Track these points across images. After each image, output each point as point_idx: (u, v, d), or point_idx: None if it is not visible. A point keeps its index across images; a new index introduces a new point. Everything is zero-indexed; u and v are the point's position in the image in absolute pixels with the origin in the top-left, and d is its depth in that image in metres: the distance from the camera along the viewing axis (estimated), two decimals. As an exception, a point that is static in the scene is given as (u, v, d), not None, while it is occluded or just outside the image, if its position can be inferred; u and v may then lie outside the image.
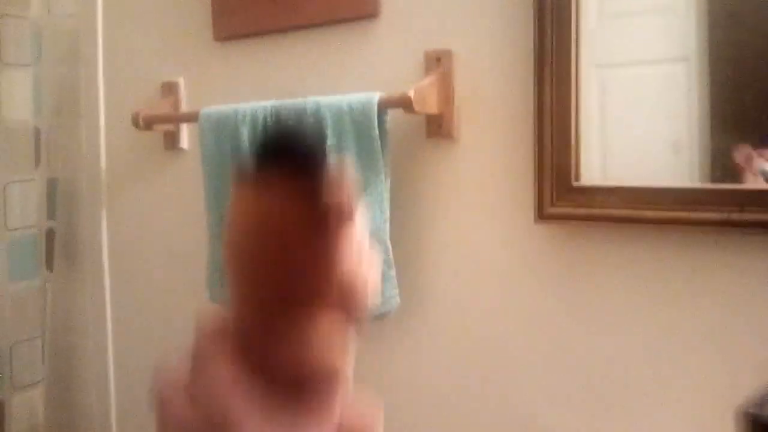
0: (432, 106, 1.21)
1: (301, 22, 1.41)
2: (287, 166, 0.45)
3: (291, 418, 0.48)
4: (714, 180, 1.01)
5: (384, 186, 1.24)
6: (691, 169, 1.05)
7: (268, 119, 1.32)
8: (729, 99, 1.02)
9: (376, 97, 1.23)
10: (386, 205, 1.25)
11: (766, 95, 0.98)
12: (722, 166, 1.01)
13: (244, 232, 0.48)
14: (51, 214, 1.84)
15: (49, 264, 1.85)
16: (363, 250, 0.50)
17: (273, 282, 0.48)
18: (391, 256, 1.24)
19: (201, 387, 0.48)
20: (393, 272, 1.24)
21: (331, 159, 0.46)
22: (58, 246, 1.83)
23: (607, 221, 1.07)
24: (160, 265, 1.70)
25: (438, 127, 1.24)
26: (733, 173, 0.99)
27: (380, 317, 1.26)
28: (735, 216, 0.95)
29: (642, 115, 1.08)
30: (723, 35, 1.03)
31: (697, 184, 1.02)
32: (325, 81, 1.39)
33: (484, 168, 1.21)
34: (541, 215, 1.12)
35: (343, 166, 0.46)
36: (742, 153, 0.98)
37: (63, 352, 1.83)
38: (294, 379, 0.48)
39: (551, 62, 1.10)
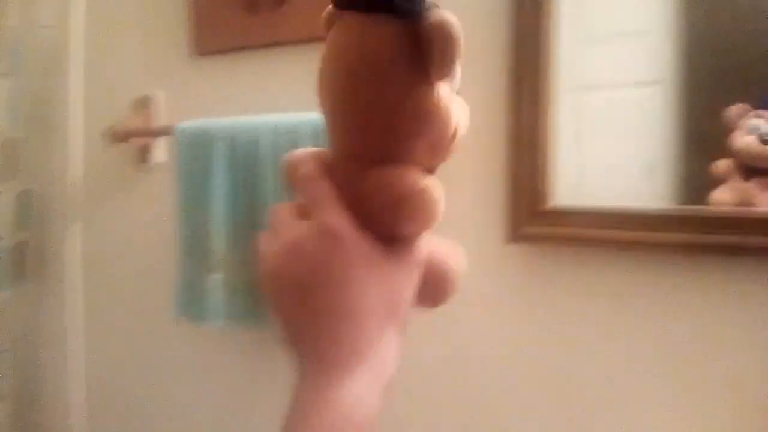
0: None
1: (280, 38, 1.41)
2: (388, 1, 0.43)
3: (384, 249, 0.47)
4: (686, 203, 1.01)
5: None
6: (662, 191, 1.05)
7: (245, 136, 1.31)
8: (703, 123, 1.02)
9: (352, 114, 1.22)
10: (360, 222, 1.24)
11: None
12: (694, 188, 1.01)
13: (336, 68, 0.46)
14: (23, 225, 1.81)
15: (20, 276, 1.81)
16: (455, 100, 0.48)
17: (364, 136, 0.47)
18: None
19: (313, 201, 0.47)
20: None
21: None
22: (30, 259, 1.80)
23: (579, 242, 1.07)
24: (133, 280, 1.68)
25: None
26: (706, 196, 0.99)
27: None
28: (705, 238, 0.95)
29: (616, 137, 1.08)
30: (697, 59, 1.03)
31: (667, 206, 1.02)
32: (303, 98, 1.38)
33: (458, 188, 1.20)
34: (514, 236, 1.12)
35: (447, 16, 0.43)
36: (737, 107, 0.97)
37: (31, 368, 1.80)
38: (382, 211, 0.46)
39: (527, 84, 1.10)
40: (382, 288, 0.45)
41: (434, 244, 0.53)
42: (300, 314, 0.45)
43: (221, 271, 1.33)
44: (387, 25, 0.43)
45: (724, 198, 0.97)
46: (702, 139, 1.02)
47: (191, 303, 1.37)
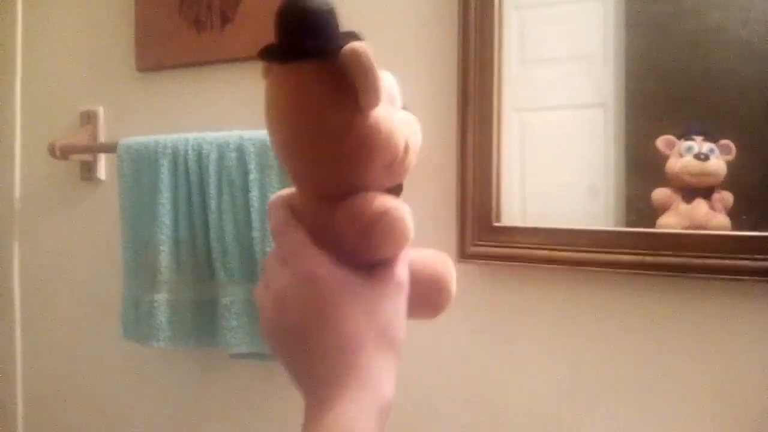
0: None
1: (226, 55, 1.40)
2: (300, 48, 0.44)
3: (362, 276, 0.48)
4: (629, 224, 1.04)
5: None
6: (607, 212, 1.07)
7: (190, 152, 1.29)
8: (643, 146, 1.04)
9: (301, 132, 1.21)
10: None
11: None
12: (637, 210, 1.04)
13: (275, 121, 0.48)
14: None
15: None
16: (397, 118, 0.48)
17: (319, 177, 0.48)
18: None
19: (287, 250, 0.49)
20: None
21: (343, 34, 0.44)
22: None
23: (526, 261, 1.08)
24: (73, 299, 1.64)
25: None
26: (648, 217, 1.02)
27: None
28: (649, 259, 0.98)
29: (560, 158, 1.11)
30: (639, 84, 1.06)
31: (612, 227, 1.05)
32: (249, 115, 1.37)
33: (410, 208, 1.20)
34: (463, 254, 1.13)
35: (357, 46, 0.43)
36: (663, 139, 1.00)
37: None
38: (355, 241, 0.47)
39: (474, 105, 1.12)
40: (368, 316, 0.46)
41: (420, 256, 0.54)
42: (295, 356, 0.47)
43: (167, 291, 1.31)
44: (307, 69, 0.44)
45: (670, 223, 1.00)
46: (642, 161, 1.05)
47: (137, 322, 1.34)
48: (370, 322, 0.46)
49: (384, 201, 0.47)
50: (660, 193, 1.02)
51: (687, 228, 0.98)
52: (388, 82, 0.49)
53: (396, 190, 0.50)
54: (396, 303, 0.49)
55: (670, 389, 1.02)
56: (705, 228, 0.97)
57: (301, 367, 0.47)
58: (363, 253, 0.48)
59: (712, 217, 0.97)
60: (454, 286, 0.56)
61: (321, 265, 0.47)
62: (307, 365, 0.46)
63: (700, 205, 0.98)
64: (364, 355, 0.45)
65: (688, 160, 0.98)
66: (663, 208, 1.01)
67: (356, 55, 0.43)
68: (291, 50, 0.44)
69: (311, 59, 0.44)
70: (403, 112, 0.51)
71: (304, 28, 0.43)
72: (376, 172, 0.48)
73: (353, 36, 0.45)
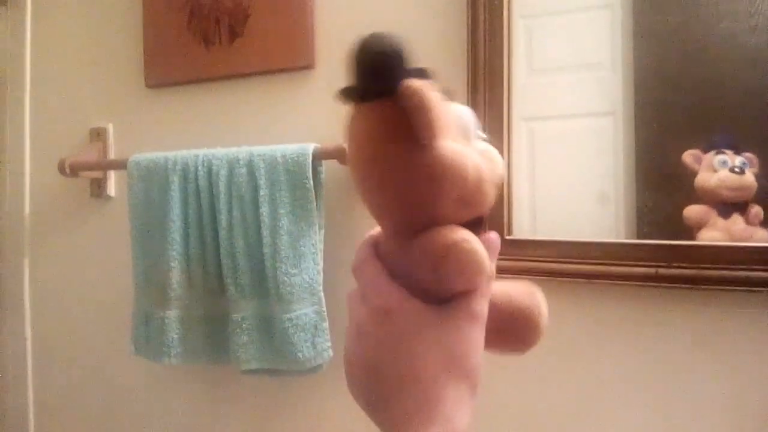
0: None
1: (235, 71, 1.40)
2: (371, 88, 0.46)
3: (437, 309, 0.48)
4: (641, 235, 1.03)
5: (318, 237, 1.23)
6: (617, 223, 1.07)
7: (200, 169, 1.29)
8: (654, 155, 1.04)
9: (310, 147, 1.22)
10: (320, 256, 1.23)
11: (689, 153, 1.01)
12: (648, 222, 1.03)
13: (353, 158, 0.49)
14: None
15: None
16: (466, 151, 0.48)
17: (394, 213, 0.50)
18: (324, 308, 1.22)
19: (364, 286, 0.51)
20: (326, 324, 1.22)
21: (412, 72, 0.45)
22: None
23: (537, 274, 1.07)
24: (84, 315, 1.64)
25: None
26: (660, 228, 1.01)
27: (313, 370, 1.23)
28: (662, 271, 0.97)
29: (570, 168, 1.10)
30: (648, 92, 1.06)
31: (624, 238, 1.04)
32: (258, 130, 1.38)
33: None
34: (474, 268, 1.12)
35: (414, 84, 0.44)
36: (690, 154, 0.98)
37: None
38: (430, 275, 0.47)
39: (483, 115, 1.11)
40: (440, 347, 0.47)
41: (505, 289, 0.55)
42: (372, 390, 0.49)
43: (177, 307, 1.31)
44: (378, 108, 0.46)
45: (714, 236, 0.98)
46: (652, 171, 1.05)
47: (148, 339, 1.34)
48: (443, 354, 0.47)
49: (453, 233, 0.47)
50: (694, 211, 1.00)
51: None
52: (459, 115, 0.49)
53: (476, 223, 0.50)
54: (470, 334, 0.48)
55: (687, 400, 1.02)
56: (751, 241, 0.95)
57: (375, 401, 0.48)
58: (437, 287, 0.48)
59: (752, 232, 0.96)
60: (543, 322, 0.56)
61: (396, 299, 0.48)
62: (382, 399, 0.47)
63: (737, 221, 0.97)
64: (437, 386, 0.46)
65: (726, 174, 0.97)
66: (699, 225, 0.99)
67: (409, 93, 0.44)
68: (363, 91, 0.46)
69: (381, 99, 0.45)
70: (481, 143, 0.51)
71: (376, 70, 0.45)
72: (448, 205, 0.48)
73: (422, 73, 0.45)
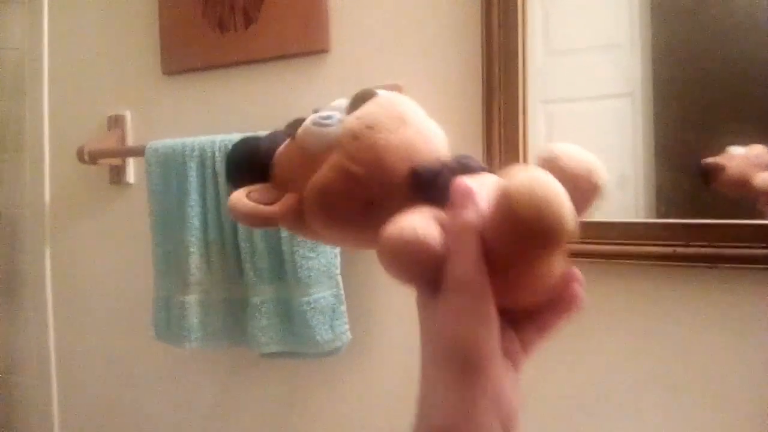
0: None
1: (251, 56, 1.40)
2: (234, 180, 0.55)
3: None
4: (660, 215, 1.02)
5: (335, 221, 1.23)
6: (636, 203, 1.06)
7: (217, 154, 1.30)
8: (672, 135, 1.03)
9: (326, 131, 1.21)
10: (337, 240, 1.24)
11: (708, 133, 1.00)
12: (667, 200, 1.03)
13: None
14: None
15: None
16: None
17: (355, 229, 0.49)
18: (342, 291, 1.23)
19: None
20: (344, 308, 1.23)
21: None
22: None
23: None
24: (105, 302, 1.65)
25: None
26: (679, 207, 1.00)
27: (332, 353, 1.24)
28: (681, 250, 0.97)
29: (588, 149, 1.09)
30: (666, 72, 1.05)
31: (643, 218, 1.03)
32: (275, 115, 1.38)
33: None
34: (492, 250, 1.12)
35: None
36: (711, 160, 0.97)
37: (2, 393, 1.77)
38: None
39: (499, 98, 1.11)
40: (430, 337, 0.44)
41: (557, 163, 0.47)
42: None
43: (197, 292, 1.32)
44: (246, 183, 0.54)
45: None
46: (670, 150, 1.04)
47: (168, 324, 1.35)
48: (434, 343, 0.43)
49: (391, 223, 0.43)
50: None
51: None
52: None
53: (450, 172, 0.47)
54: (458, 314, 0.42)
55: (706, 382, 1.01)
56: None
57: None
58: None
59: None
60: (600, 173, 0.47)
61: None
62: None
63: None
64: (428, 379, 0.43)
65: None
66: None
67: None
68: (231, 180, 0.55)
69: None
70: (359, 112, 0.52)
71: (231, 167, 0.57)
72: (365, 206, 0.47)
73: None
